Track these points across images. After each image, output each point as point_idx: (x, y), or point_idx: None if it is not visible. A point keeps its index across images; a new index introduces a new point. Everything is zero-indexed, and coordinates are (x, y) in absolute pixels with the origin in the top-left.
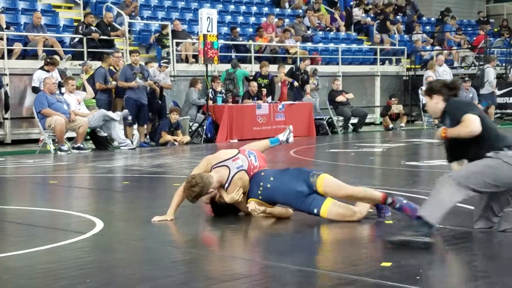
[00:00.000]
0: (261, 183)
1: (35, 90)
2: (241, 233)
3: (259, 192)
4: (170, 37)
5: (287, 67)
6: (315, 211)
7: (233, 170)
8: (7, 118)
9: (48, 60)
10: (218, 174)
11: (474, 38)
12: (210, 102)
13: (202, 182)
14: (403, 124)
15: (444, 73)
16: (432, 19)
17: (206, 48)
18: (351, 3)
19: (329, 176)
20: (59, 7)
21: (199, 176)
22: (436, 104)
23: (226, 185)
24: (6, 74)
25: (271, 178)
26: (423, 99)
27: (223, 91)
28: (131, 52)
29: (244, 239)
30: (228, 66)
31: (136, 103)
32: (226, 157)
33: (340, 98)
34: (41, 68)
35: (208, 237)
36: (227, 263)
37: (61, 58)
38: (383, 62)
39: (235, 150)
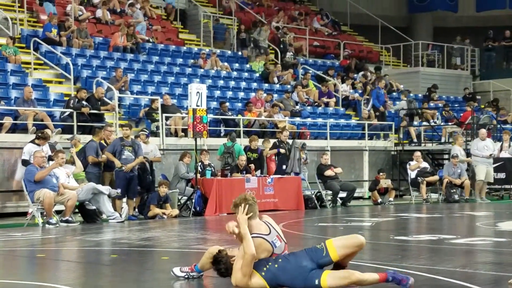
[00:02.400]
0: (269, 263)
1: (25, 163)
2: None
3: (264, 269)
4: (159, 111)
5: (273, 141)
6: (316, 282)
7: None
8: None
9: (40, 134)
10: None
11: (461, 114)
12: (199, 176)
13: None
14: (391, 199)
15: (485, 148)
16: (420, 95)
17: (195, 122)
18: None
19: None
20: (50, 81)
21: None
22: None
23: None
24: None
25: (280, 260)
26: (411, 173)
27: (213, 164)
28: (122, 125)
29: None
30: (217, 140)
31: (125, 176)
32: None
33: (328, 173)
34: (32, 141)
35: None
36: None
37: (51, 132)
38: (371, 137)
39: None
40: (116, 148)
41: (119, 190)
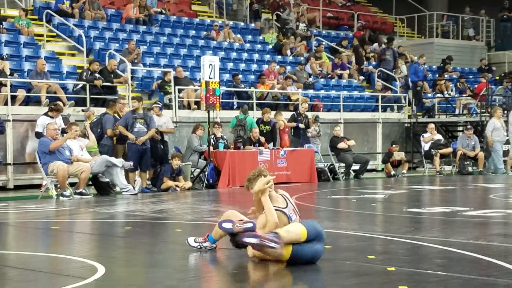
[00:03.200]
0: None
1: (38, 135)
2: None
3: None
4: (172, 83)
5: (286, 114)
6: None
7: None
8: (9, 164)
9: (53, 106)
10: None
11: (476, 85)
12: (212, 148)
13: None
14: (404, 171)
15: (502, 128)
16: (434, 66)
17: (208, 95)
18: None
19: None
20: (63, 54)
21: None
22: None
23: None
24: (9, 120)
25: None
26: (425, 145)
27: (226, 137)
28: (132, 98)
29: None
30: (229, 113)
31: (138, 149)
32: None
33: (341, 145)
34: (45, 114)
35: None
36: None
37: (64, 105)
38: (384, 109)
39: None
40: (128, 121)
41: (131, 163)
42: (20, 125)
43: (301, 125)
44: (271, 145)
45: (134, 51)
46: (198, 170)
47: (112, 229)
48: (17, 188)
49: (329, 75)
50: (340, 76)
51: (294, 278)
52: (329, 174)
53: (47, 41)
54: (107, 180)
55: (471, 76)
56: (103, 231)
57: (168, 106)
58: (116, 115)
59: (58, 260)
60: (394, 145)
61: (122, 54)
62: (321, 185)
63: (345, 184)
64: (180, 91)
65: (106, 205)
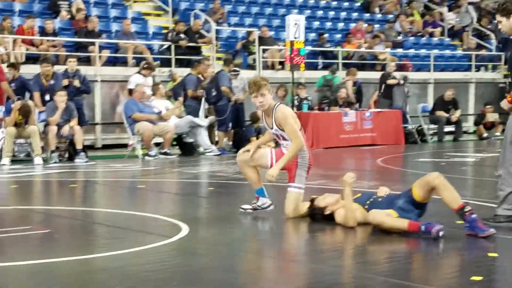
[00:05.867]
0: (373, 196)
1: (131, 92)
2: (329, 243)
3: (368, 202)
4: (256, 43)
5: (373, 74)
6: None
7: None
8: (97, 123)
9: (146, 65)
10: None
11: None
12: (296, 109)
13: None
14: (498, 133)
15: None
16: None
17: (292, 55)
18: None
19: None
20: (149, 14)
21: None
22: None
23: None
24: (97, 81)
25: (380, 199)
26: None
27: (310, 98)
28: (218, 58)
29: (332, 249)
30: (314, 73)
31: (224, 109)
32: None
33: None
34: (138, 72)
35: (292, 246)
36: (314, 272)
37: None
38: (478, 68)
39: None
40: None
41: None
42: (108, 86)
43: (392, 81)
44: (357, 105)
45: (219, 10)
46: None
47: (196, 189)
48: (105, 147)
49: (420, 33)
50: (431, 34)
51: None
52: (417, 136)
53: (134, 1)
54: (191, 140)
55: None
56: (187, 191)
57: (252, 67)
58: (200, 76)
59: (144, 218)
60: (487, 106)
61: (207, 14)
62: (409, 148)
63: (433, 147)
64: (264, 51)
65: (190, 165)
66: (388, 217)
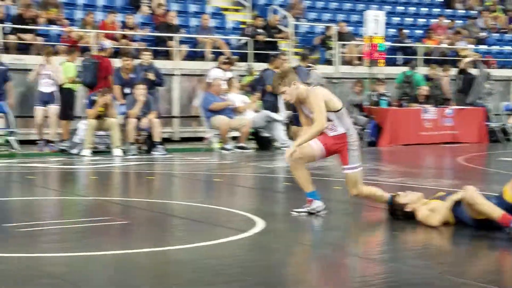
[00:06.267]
0: None
1: (209, 86)
2: (410, 242)
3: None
4: (334, 38)
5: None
6: None
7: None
8: (175, 116)
9: (226, 59)
10: None
11: None
12: (373, 105)
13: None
14: None
15: None
16: None
17: (371, 50)
18: None
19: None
20: (227, 9)
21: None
22: None
23: None
24: (176, 75)
25: None
26: None
27: (389, 94)
28: (296, 53)
29: (412, 248)
30: (393, 69)
31: None
32: None
33: None
34: (218, 66)
35: (370, 244)
36: (393, 271)
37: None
38: None
39: None
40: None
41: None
42: (186, 80)
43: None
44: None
45: (297, 5)
46: (359, 127)
47: (272, 184)
48: (182, 140)
49: (504, 30)
50: None
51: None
52: (502, 134)
53: None
54: (267, 135)
55: None
56: (263, 186)
57: (329, 62)
58: (277, 70)
59: (219, 212)
60: None
61: (286, 9)
62: (492, 146)
63: None
64: (342, 46)
65: (266, 159)
66: (485, 200)
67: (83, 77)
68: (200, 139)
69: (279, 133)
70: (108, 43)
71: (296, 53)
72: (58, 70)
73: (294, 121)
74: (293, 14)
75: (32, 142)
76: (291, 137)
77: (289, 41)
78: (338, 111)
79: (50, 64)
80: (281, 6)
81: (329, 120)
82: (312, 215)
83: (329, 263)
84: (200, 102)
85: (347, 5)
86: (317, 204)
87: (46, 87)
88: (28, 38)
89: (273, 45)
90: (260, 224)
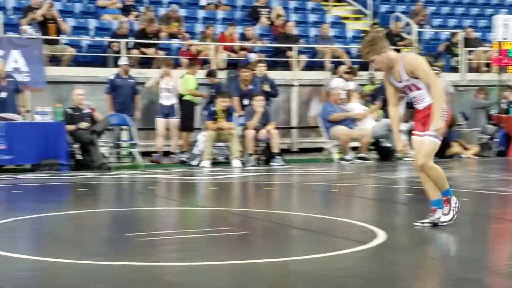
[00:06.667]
0: None
1: (327, 96)
2: None
3: None
4: (461, 45)
5: None
6: None
7: None
8: (294, 127)
9: (348, 69)
10: None
11: None
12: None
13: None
14: None
15: None
16: None
17: (500, 56)
18: None
19: None
20: (347, 18)
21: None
22: None
23: None
24: (294, 85)
25: None
26: None
27: None
28: None
29: None
30: None
31: None
32: None
33: None
34: (340, 76)
35: (498, 254)
36: None
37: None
38: None
39: None
40: None
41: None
42: (304, 90)
43: None
44: None
45: (421, 12)
46: (487, 136)
47: (393, 195)
48: (301, 151)
49: None
50: None
51: None
52: None
53: (333, 6)
54: (389, 145)
55: None
56: (383, 197)
57: (455, 69)
58: None
59: (339, 223)
60: None
61: (409, 16)
62: None
63: None
64: (469, 52)
65: (388, 170)
66: None
67: (229, 89)
68: (318, 149)
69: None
70: (254, 56)
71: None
72: (177, 83)
73: None
74: (417, 21)
75: (154, 154)
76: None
77: (412, 49)
78: None
79: (170, 77)
80: (403, 13)
81: (418, 89)
82: (436, 225)
83: (455, 278)
84: (319, 112)
85: (475, 10)
86: (435, 216)
87: (166, 100)
88: (150, 52)
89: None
90: (381, 236)
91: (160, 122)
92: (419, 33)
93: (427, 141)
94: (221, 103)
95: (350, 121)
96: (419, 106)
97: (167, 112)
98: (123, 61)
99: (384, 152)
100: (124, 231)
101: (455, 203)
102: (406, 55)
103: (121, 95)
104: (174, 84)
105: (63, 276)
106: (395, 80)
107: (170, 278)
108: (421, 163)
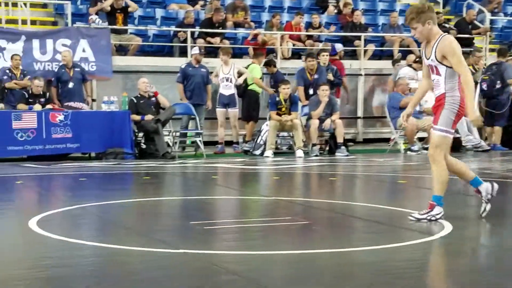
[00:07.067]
0: None
1: (395, 85)
2: None
3: None
4: None
5: None
6: None
7: None
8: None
9: (418, 58)
10: None
11: None
12: None
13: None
14: None
15: None
16: None
17: None
18: None
19: None
20: None
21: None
22: None
23: None
24: (361, 74)
25: None
26: None
27: None
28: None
29: None
30: None
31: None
32: None
33: None
34: (409, 65)
35: None
36: None
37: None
38: None
39: None
40: None
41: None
42: (370, 79)
43: None
44: None
45: (494, 0)
46: None
47: (460, 186)
48: (366, 141)
49: None
50: None
51: None
52: None
53: None
54: (457, 135)
55: None
56: (451, 188)
57: None
58: (471, 67)
59: (403, 214)
60: None
61: (481, 3)
62: None
63: None
64: None
65: None
66: None
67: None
68: (383, 140)
69: (472, 133)
70: (340, 46)
71: (492, 50)
72: (236, 72)
73: (486, 121)
74: (490, 9)
75: (216, 143)
76: (486, 137)
77: (484, 37)
78: (452, 67)
79: (227, 66)
80: (476, 1)
81: (438, 74)
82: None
83: None
84: (387, 102)
85: None
86: (434, 212)
87: (226, 89)
88: (215, 41)
89: (468, 41)
90: (448, 228)
91: (220, 113)
92: (492, 21)
93: (434, 135)
94: (283, 91)
95: (417, 112)
96: (435, 92)
97: (227, 102)
98: (195, 50)
99: (452, 143)
100: (187, 220)
101: (437, 215)
102: (445, 37)
103: (193, 84)
104: (232, 73)
105: (127, 263)
106: (425, 55)
107: (231, 266)
108: (430, 153)
